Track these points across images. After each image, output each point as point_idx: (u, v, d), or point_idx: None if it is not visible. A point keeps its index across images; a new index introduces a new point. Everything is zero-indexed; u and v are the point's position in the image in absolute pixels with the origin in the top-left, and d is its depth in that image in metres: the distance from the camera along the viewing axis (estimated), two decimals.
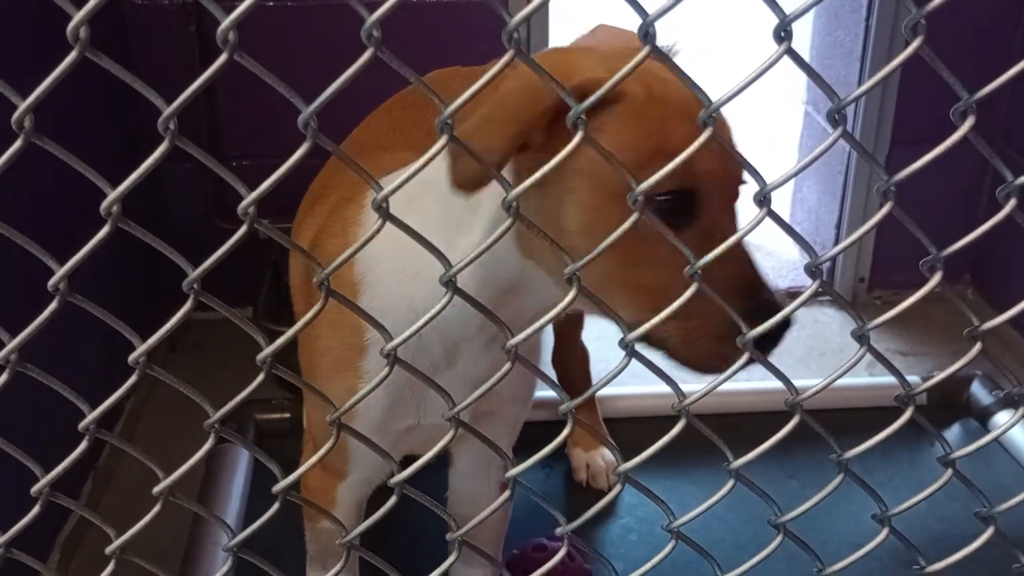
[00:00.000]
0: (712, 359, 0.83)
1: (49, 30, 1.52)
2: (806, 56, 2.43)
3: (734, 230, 0.81)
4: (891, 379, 0.73)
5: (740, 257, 0.84)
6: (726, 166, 0.84)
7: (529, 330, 0.64)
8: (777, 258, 2.55)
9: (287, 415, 1.82)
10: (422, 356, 0.97)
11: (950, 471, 0.74)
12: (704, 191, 0.84)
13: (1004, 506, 0.75)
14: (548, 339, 1.74)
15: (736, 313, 0.68)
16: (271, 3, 2.08)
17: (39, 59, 1.45)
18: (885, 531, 0.76)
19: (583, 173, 0.83)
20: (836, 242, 2.37)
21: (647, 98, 0.84)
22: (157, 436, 1.91)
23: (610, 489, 1.71)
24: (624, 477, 0.70)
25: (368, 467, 1.11)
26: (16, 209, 1.47)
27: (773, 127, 2.97)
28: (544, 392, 1.50)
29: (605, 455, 1.76)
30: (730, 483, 0.72)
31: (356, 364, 1.04)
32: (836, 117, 0.59)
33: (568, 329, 1.72)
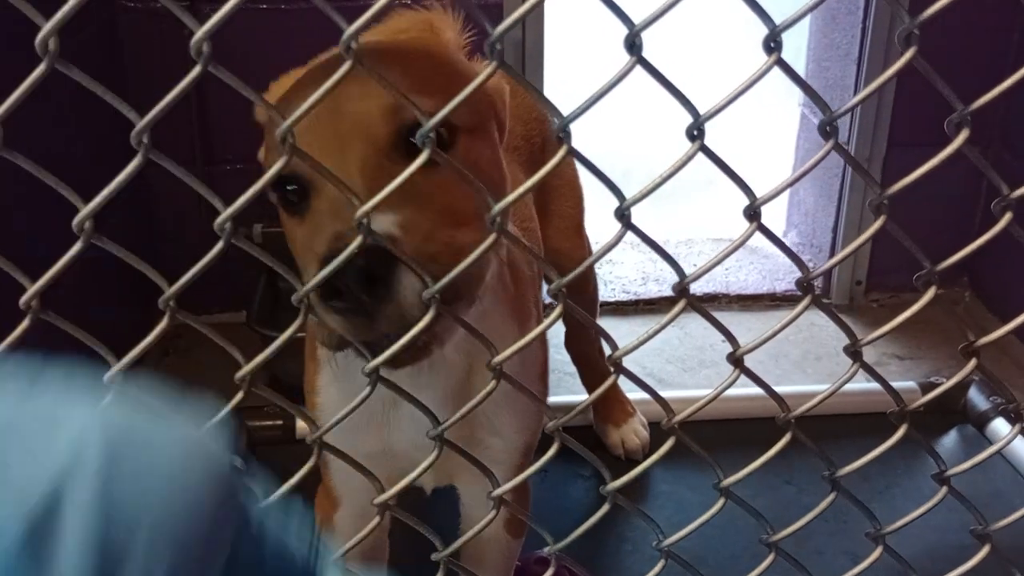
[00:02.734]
0: (320, 336, 0.76)
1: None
2: (802, 59, 2.42)
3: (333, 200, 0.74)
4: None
5: (341, 223, 0.71)
6: (334, 112, 0.76)
7: (515, 347, 0.63)
8: (774, 261, 2.53)
9: (279, 422, 1.80)
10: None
11: (945, 488, 0.73)
12: (307, 176, 0.77)
13: (999, 524, 0.74)
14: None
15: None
16: (264, 5, 2.06)
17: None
18: (879, 549, 0.75)
19: None
20: (832, 245, 2.35)
21: (281, 100, 0.84)
22: None
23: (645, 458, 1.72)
24: (613, 495, 0.69)
25: (356, 493, 1.07)
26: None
27: (769, 129, 2.96)
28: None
29: (638, 430, 1.76)
30: (720, 502, 0.71)
31: (313, 379, 1.04)
32: (827, 129, 0.58)
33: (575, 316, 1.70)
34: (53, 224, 1.37)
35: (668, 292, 2.40)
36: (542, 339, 1.15)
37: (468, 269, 0.67)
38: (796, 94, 2.59)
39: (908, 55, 0.56)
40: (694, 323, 2.26)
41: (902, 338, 2.22)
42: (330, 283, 0.66)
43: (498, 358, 0.62)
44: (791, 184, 0.60)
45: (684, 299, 0.62)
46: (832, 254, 2.35)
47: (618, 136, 2.99)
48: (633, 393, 1.83)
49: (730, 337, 0.65)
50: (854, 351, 0.65)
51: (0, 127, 0.53)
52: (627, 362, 0.65)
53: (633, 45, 0.55)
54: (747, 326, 2.32)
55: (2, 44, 1.44)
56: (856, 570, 0.75)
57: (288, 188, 0.80)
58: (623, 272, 2.48)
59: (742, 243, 0.60)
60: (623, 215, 0.59)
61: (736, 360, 0.65)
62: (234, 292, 2.13)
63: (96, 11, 2.04)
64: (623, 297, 2.40)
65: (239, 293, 2.13)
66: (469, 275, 0.73)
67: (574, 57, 2.91)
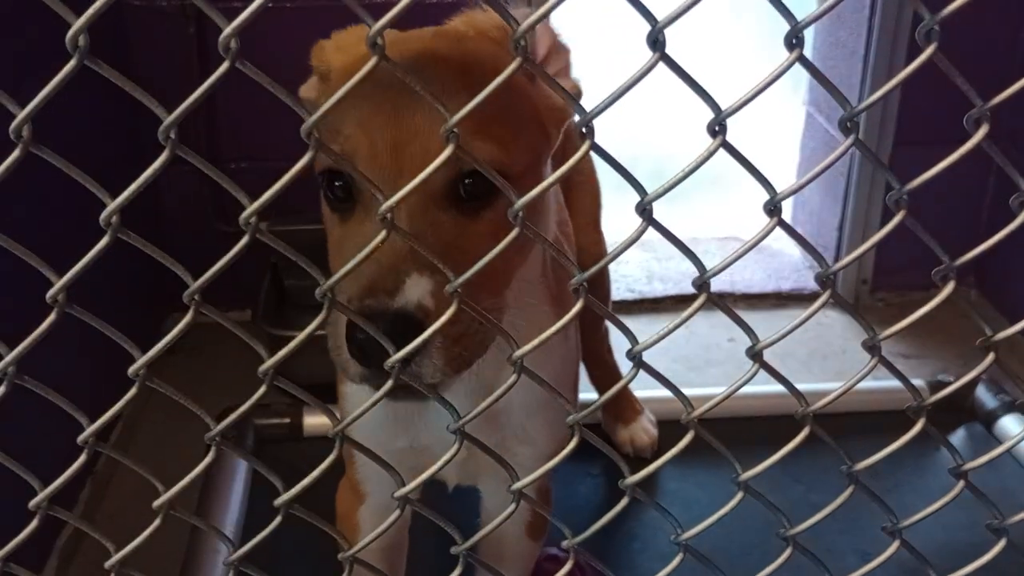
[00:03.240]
0: (334, 358, 0.75)
1: (47, 33, 1.51)
2: (808, 57, 2.42)
3: (396, 217, 0.74)
4: (895, 383, 0.72)
5: (379, 255, 0.69)
6: (397, 143, 0.75)
7: (535, 341, 0.63)
8: (780, 259, 2.54)
9: (286, 420, 1.81)
10: None
11: (962, 482, 0.73)
12: (358, 184, 0.77)
13: (1016, 518, 0.74)
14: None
15: (345, 319, 0.68)
16: (270, 4, 2.07)
17: (38, 62, 1.44)
18: (896, 543, 0.76)
19: None
20: (838, 244, 2.36)
21: (341, 74, 0.81)
22: (157, 441, 1.90)
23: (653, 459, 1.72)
24: (632, 489, 0.69)
25: (383, 488, 1.06)
26: (15, 216, 1.46)
27: (773, 129, 2.96)
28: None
29: (647, 428, 1.77)
30: (739, 495, 0.71)
31: (342, 385, 1.04)
32: (848, 125, 0.58)
33: (590, 313, 1.71)
34: (52, 220, 1.37)
35: (673, 291, 2.40)
36: (576, 350, 1.15)
37: (484, 341, 0.70)
38: (801, 94, 2.59)
39: (929, 51, 0.56)
40: (700, 322, 2.26)
41: (908, 337, 2.23)
42: (357, 339, 0.68)
43: (519, 352, 0.62)
44: (812, 179, 0.60)
45: (704, 293, 0.62)
46: (837, 253, 2.35)
47: (621, 128, 2.99)
48: (641, 391, 1.83)
49: (749, 331, 0.65)
50: (872, 345, 0.65)
51: (30, 123, 0.53)
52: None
53: (656, 41, 0.55)
54: (752, 325, 2.33)
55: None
56: (873, 564, 0.76)
57: (335, 184, 0.79)
58: (628, 271, 2.49)
59: (763, 237, 0.60)
60: (644, 209, 0.60)
61: (755, 355, 0.65)
62: (239, 291, 2.13)
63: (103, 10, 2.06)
64: (628, 296, 2.41)
65: (244, 292, 2.13)
66: (484, 347, 0.76)
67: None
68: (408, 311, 0.69)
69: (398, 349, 0.64)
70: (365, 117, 0.75)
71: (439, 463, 0.66)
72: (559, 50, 0.89)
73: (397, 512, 0.68)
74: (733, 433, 1.29)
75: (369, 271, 0.71)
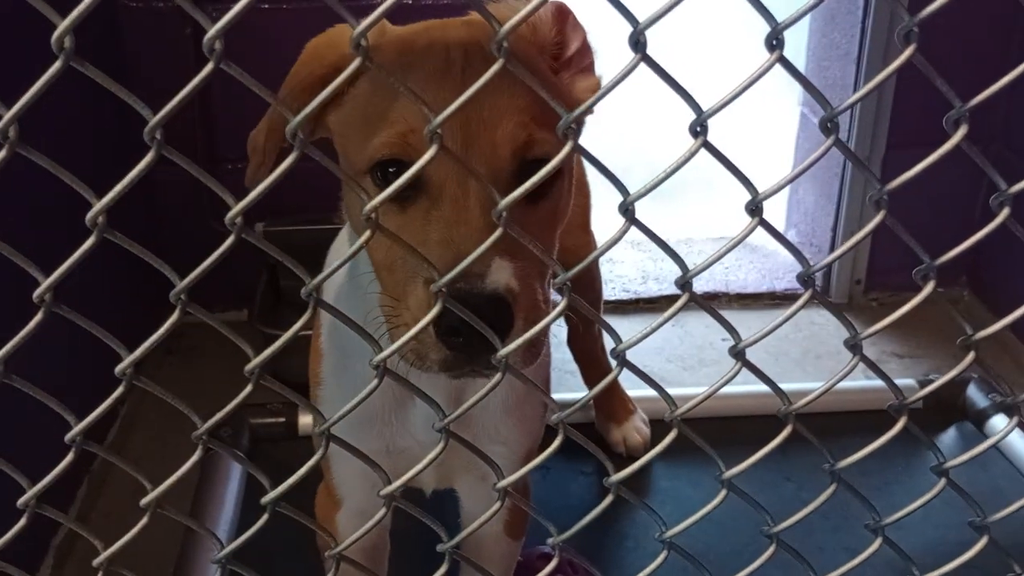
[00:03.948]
0: (404, 349, 0.73)
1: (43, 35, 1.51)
2: (802, 58, 2.43)
3: (466, 205, 0.74)
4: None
5: (458, 240, 0.73)
6: (467, 133, 0.75)
7: (522, 339, 0.63)
8: (774, 260, 2.54)
9: (282, 419, 1.81)
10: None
11: (943, 480, 0.73)
12: (425, 171, 0.75)
13: (997, 516, 0.75)
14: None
15: (428, 303, 0.66)
16: (266, 5, 2.07)
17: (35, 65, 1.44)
18: (878, 541, 0.76)
19: (340, 155, 0.84)
20: (832, 245, 2.36)
21: (391, 64, 0.79)
22: (154, 441, 1.90)
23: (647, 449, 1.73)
24: (616, 487, 0.69)
25: (357, 493, 1.08)
26: (9, 216, 1.47)
27: (768, 129, 2.97)
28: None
29: (640, 428, 1.78)
30: (722, 493, 0.71)
31: (316, 370, 1.05)
32: (828, 126, 0.59)
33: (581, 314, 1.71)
34: (49, 222, 1.37)
35: (668, 291, 2.41)
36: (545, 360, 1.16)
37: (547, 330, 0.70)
38: (796, 94, 2.60)
39: (907, 52, 0.56)
40: (694, 321, 2.27)
41: (902, 337, 2.23)
42: (449, 323, 0.68)
43: (504, 351, 0.63)
44: (792, 180, 0.61)
45: (687, 293, 0.62)
46: (831, 253, 2.36)
47: (618, 133, 3.00)
48: (633, 391, 1.84)
49: (731, 330, 0.65)
50: (854, 344, 0.66)
51: (16, 124, 0.54)
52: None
53: (638, 43, 0.56)
54: (747, 325, 2.32)
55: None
56: (855, 562, 0.76)
57: (390, 171, 0.78)
58: (623, 271, 2.49)
59: (744, 238, 0.61)
60: (627, 210, 0.60)
61: (737, 353, 0.66)
62: (236, 291, 2.14)
63: (98, 10, 2.06)
64: (623, 296, 2.41)
65: (241, 292, 2.14)
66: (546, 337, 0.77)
67: None
68: (501, 293, 0.70)
69: (493, 331, 0.65)
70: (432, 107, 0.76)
71: (426, 460, 0.66)
72: (587, 48, 0.92)
73: (383, 510, 0.68)
74: (724, 433, 1.29)
75: (449, 256, 0.71)
